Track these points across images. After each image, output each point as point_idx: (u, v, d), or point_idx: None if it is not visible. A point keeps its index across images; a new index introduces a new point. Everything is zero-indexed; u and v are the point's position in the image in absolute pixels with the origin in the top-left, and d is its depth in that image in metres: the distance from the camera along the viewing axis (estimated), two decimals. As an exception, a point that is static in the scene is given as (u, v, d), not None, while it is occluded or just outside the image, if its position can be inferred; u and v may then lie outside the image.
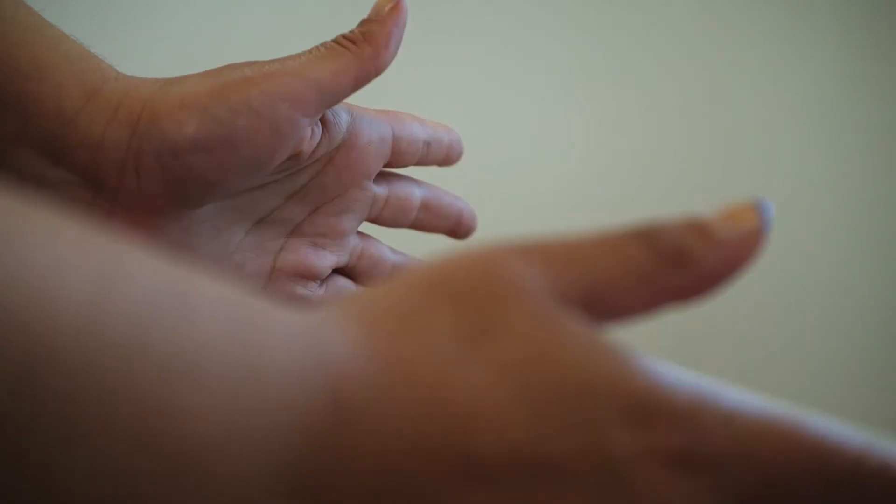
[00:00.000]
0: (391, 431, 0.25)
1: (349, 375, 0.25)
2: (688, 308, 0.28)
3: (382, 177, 0.53)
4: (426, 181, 0.55)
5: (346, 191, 0.51)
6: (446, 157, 0.54)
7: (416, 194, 0.54)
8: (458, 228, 0.55)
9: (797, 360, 1.54)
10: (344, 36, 0.47)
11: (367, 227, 0.54)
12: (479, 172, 1.25)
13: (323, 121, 0.48)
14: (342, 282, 0.53)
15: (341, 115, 0.49)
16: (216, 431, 0.23)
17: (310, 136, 0.47)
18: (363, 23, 0.48)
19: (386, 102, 0.53)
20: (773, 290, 1.52)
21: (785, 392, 1.54)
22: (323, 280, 0.52)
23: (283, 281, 0.51)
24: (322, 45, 0.47)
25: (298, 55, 0.47)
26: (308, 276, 0.52)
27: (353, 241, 0.53)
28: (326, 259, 0.52)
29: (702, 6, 1.48)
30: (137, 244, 0.25)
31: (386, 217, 0.53)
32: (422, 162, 0.54)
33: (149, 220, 0.46)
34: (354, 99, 0.49)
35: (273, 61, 0.46)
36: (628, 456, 0.25)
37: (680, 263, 0.28)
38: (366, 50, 0.47)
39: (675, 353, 1.57)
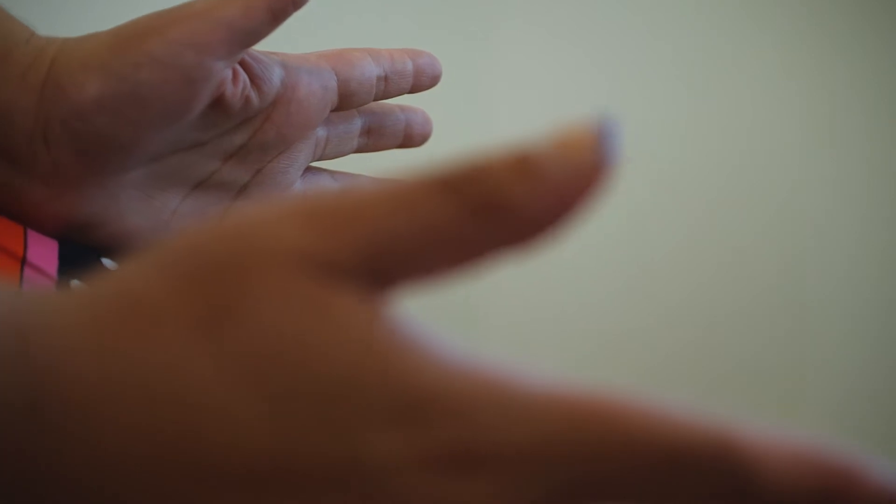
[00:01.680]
0: (103, 433, 0.22)
1: (56, 369, 0.22)
2: (522, 257, 0.23)
3: None
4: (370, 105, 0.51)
5: (290, 146, 0.48)
6: (415, 85, 0.51)
7: (356, 124, 0.51)
8: (408, 141, 0.52)
9: (798, 360, 1.52)
10: None
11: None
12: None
13: (252, 75, 0.45)
14: None
15: (273, 70, 0.46)
16: None
17: (231, 79, 0.44)
18: None
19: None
20: (773, 289, 1.50)
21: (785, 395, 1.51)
22: None
23: None
24: None
25: None
26: None
27: (297, 186, 0.50)
28: None
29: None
30: None
31: (328, 154, 0.50)
32: (383, 97, 0.50)
33: (68, 191, 0.43)
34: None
35: (180, 6, 0.42)
36: (392, 461, 0.21)
37: (494, 213, 0.22)
38: None
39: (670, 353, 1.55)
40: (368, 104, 0.51)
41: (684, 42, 1.48)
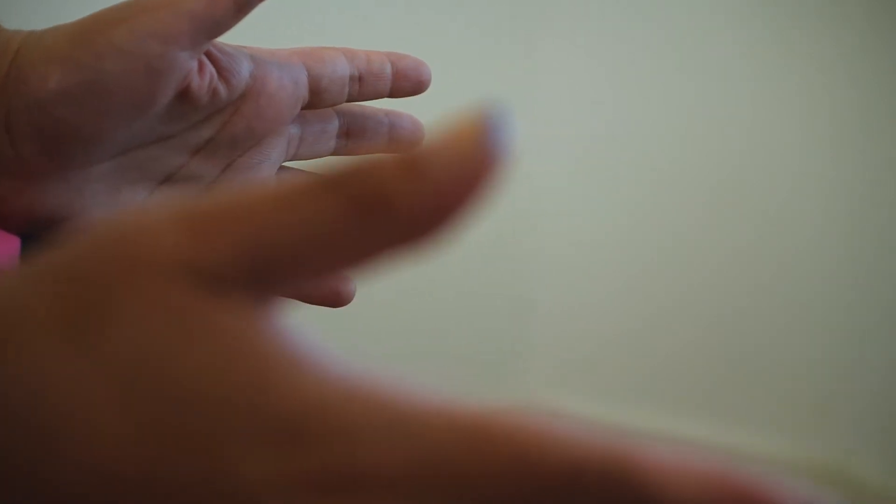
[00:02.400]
0: None
1: None
2: (415, 257, 0.22)
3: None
4: (349, 105, 0.50)
5: (260, 141, 0.47)
6: (396, 89, 0.49)
7: (334, 124, 0.49)
8: (395, 146, 0.50)
9: (797, 360, 1.51)
10: None
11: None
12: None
13: (219, 68, 0.44)
14: None
15: (241, 62, 0.45)
16: None
17: (198, 70, 0.43)
18: None
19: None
20: (774, 289, 1.50)
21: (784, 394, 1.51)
22: None
23: None
24: None
25: None
26: None
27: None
28: None
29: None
30: None
31: (303, 154, 0.49)
32: (359, 98, 0.49)
33: (32, 185, 0.43)
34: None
35: None
36: (264, 482, 0.20)
37: (378, 212, 0.21)
38: None
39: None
40: (349, 106, 0.50)
41: (685, 42, 1.48)
